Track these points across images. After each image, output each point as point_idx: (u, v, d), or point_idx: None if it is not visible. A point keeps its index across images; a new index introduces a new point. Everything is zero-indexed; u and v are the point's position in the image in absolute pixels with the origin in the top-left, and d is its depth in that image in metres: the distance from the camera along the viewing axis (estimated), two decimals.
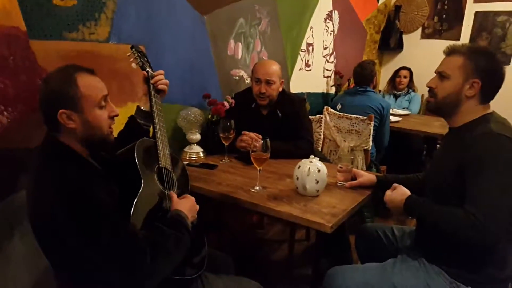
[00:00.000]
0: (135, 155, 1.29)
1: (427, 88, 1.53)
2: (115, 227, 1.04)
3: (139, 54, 1.51)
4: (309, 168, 1.63)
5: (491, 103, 1.47)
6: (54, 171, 1.08)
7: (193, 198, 1.38)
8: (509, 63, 4.21)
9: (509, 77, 4.42)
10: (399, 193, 1.51)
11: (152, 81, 1.48)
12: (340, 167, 1.80)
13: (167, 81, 1.53)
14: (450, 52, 1.49)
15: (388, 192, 1.55)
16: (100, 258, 1.03)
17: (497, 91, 1.44)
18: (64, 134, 1.14)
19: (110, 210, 1.07)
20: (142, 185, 1.26)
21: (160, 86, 1.50)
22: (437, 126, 3.36)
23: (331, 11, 3.71)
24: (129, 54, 1.50)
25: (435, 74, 1.51)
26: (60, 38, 1.59)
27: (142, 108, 1.52)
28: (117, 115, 1.24)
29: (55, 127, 1.14)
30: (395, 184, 1.56)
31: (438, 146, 3.24)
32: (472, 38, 4.40)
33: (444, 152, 1.54)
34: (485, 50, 1.48)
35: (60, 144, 1.14)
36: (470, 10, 4.37)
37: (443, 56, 1.51)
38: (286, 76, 3.22)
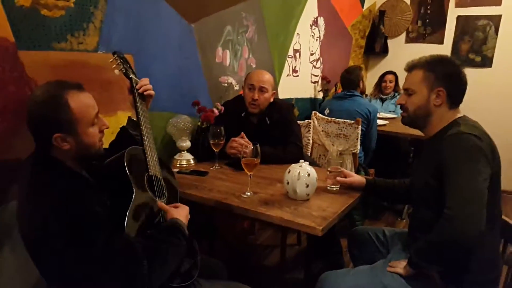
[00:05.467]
0: (125, 164, 1.29)
1: None
2: (109, 238, 1.04)
3: (121, 61, 1.50)
4: (299, 173, 1.65)
5: (473, 105, 1.51)
6: (46, 184, 1.07)
7: (188, 208, 1.39)
8: (490, 66, 4.30)
9: (491, 79, 4.49)
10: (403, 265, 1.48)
11: (137, 87, 1.48)
12: (330, 171, 1.82)
13: (151, 86, 1.53)
14: (410, 68, 1.56)
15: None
16: (96, 270, 1.02)
17: (463, 93, 1.50)
18: (57, 151, 1.13)
19: (103, 221, 1.06)
20: (134, 194, 1.26)
21: (146, 92, 1.50)
22: None
23: (316, 18, 3.76)
24: (111, 60, 1.49)
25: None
26: (48, 48, 1.59)
27: (134, 119, 1.52)
28: (107, 128, 1.24)
29: (47, 147, 1.12)
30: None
31: None
32: (455, 42, 4.49)
33: (423, 160, 1.60)
34: (441, 58, 1.53)
35: (53, 159, 1.13)
36: (452, 14, 4.46)
37: None
38: (274, 82, 3.24)
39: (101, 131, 1.22)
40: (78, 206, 1.04)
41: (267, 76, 2.30)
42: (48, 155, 1.14)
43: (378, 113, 3.97)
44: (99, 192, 1.19)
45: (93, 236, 1.02)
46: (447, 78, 1.47)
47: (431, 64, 1.49)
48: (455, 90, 1.49)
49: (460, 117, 1.50)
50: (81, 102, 1.13)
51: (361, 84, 3.34)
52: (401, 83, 4.20)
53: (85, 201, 1.06)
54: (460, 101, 1.51)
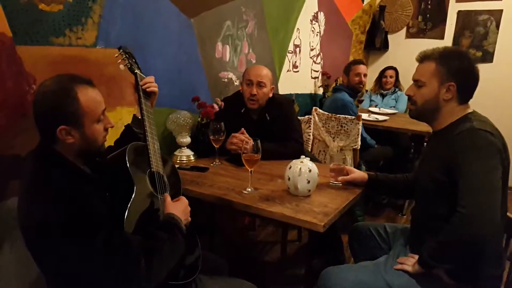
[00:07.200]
0: (127, 159, 1.28)
1: None
2: (108, 236, 1.03)
3: (127, 56, 1.49)
4: (300, 168, 1.64)
5: (474, 101, 1.49)
6: (48, 180, 1.07)
7: (186, 200, 1.38)
8: (491, 61, 4.29)
9: (492, 75, 4.50)
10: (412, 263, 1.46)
11: (141, 83, 1.47)
12: (332, 168, 1.81)
13: (156, 84, 1.52)
14: (422, 59, 1.52)
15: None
16: (94, 268, 1.02)
17: (474, 90, 1.47)
18: (59, 144, 1.13)
19: (103, 218, 1.06)
20: (135, 190, 1.25)
21: (149, 89, 1.49)
22: (424, 124, 3.37)
23: (317, 13, 3.74)
24: (117, 55, 1.48)
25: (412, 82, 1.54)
26: (46, 43, 1.57)
27: (138, 117, 1.50)
28: (112, 127, 1.24)
29: (51, 139, 1.12)
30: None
31: (425, 144, 3.29)
32: (456, 37, 4.47)
33: (430, 154, 1.57)
34: (456, 52, 1.50)
35: (55, 153, 1.13)
36: (453, 9, 4.44)
37: None
38: (274, 77, 3.22)
39: (106, 129, 1.22)
40: (79, 204, 1.03)
41: (265, 71, 2.28)
42: (51, 149, 1.13)
43: (378, 109, 3.98)
44: (101, 188, 1.19)
45: (92, 235, 1.01)
46: (459, 73, 1.43)
47: (445, 57, 1.45)
48: (466, 85, 1.45)
49: (470, 112, 1.47)
50: (90, 97, 1.14)
51: (338, 79, 3.45)
52: (401, 78, 4.20)
53: (87, 199, 1.06)
54: (470, 97, 1.47)
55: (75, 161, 1.16)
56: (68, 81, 1.12)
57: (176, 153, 2.16)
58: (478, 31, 4.35)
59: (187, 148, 2.19)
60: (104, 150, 1.26)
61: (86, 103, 1.12)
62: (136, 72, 1.48)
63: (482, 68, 1.48)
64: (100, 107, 1.17)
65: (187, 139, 2.18)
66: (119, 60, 1.47)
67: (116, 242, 1.04)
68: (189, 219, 1.36)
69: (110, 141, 1.51)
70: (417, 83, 1.51)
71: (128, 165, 1.27)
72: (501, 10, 4.19)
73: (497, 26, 4.24)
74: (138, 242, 1.10)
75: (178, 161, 2.11)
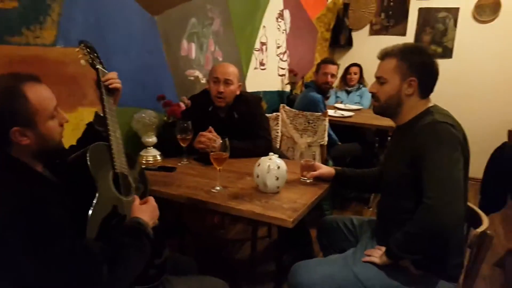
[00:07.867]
0: (88, 161, 1.23)
1: None
2: (69, 243, 0.99)
3: (88, 50, 1.42)
4: (269, 165, 1.65)
5: (435, 95, 1.54)
6: (6, 187, 1.01)
7: (154, 203, 1.34)
8: (450, 57, 4.46)
9: (451, 70, 4.66)
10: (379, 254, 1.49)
11: (103, 79, 1.40)
12: (303, 164, 1.83)
13: (119, 80, 1.45)
14: (383, 56, 1.55)
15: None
16: (55, 276, 0.98)
17: (435, 84, 1.51)
18: (15, 148, 1.07)
19: (64, 226, 1.02)
20: (98, 193, 1.20)
21: (112, 85, 1.42)
22: (388, 119, 3.47)
23: (282, 10, 3.76)
24: (77, 50, 1.41)
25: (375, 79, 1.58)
26: (1, 42, 1.50)
27: (100, 114, 1.44)
28: (67, 122, 1.19)
29: (5, 144, 1.06)
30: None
31: (389, 138, 3.38)
32: (417, 33, 4.61)
33: (395, 148, 1.61)
34: (416, 48, 1.54)
35: (12, 158, 1.08)
36: (414, 7, 4.59)
37: None
38: (241, 75, 3.23)
39: (61, 125, 1.17)
40: (38, 212, 0.98)
41: (232, 68, 2.27)
42: (6, 154, 1.08)
43: (344, 105, 4.05)
44: (62, 192, 1.14)
45: (52, 243, 0.97)
46: (420, 68, 1.47)
47: (405, 53, 1.49)
48: (427, 80, 1.49)
49: (432, 106, 1.51)
50: (39, 93, 1.08)
51: (305, 77, 3.53)
52: (365, 74, 4.30)
53: (45, 206, 1.01)
54: (431, 91, 1.52)
55: (33, 165, 1.11)
56: (13, 80, 1.07)
57: (142, 153, 2.12)
58: (438, 27, 4.52)
59: (153, 148, 2.15)
60: (63, 148, 1.21)
61: (36, 100, 1.06)
62: (98, 68, 1.41)
63: (442, 63, 1.53)
64: (51, 103, 1.12)
65: (153, 139, 2.14)
66: (80, 55, 1.40)
67: (77, 250, 1.01)
68: (157, 222, 1.33)
69: (72, 140, 1.46)
70: (380, 80, 1.54)
71: (90, 167, 1.22)
72: (458, 8, 4.36)
73: (455, 23, 4.41)
74: (100, 248, 1.06)
75: (144, 162, 2.08)
